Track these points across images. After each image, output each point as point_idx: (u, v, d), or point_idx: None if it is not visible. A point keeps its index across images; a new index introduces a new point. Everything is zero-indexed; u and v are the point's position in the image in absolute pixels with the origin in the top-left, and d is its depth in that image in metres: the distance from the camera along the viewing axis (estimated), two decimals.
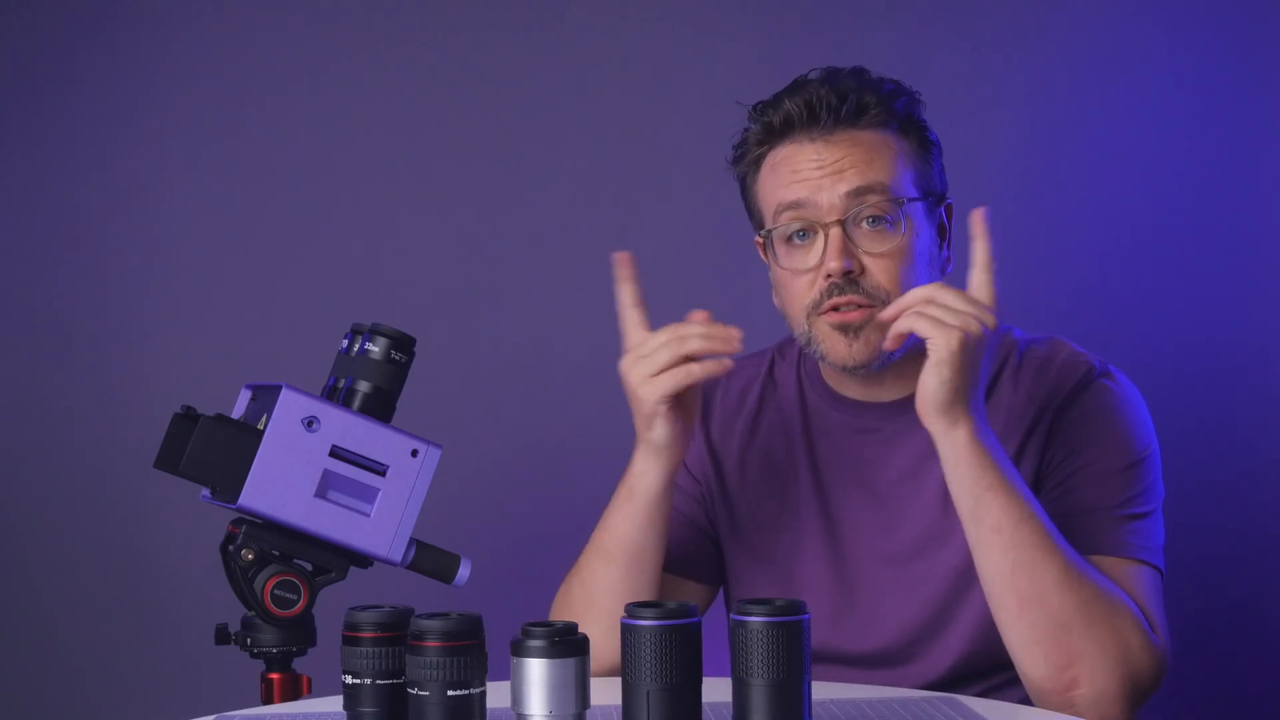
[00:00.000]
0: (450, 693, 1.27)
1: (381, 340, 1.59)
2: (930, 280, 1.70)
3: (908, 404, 1.75)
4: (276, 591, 1.55)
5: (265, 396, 1.59)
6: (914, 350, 1.70)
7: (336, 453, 1.55)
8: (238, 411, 1.63)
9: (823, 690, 1.56)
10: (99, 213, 2.58)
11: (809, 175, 1.68)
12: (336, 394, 1.59)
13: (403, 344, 1.60)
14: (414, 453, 1.57)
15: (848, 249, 1.66)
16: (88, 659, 2.57)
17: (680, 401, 1.62)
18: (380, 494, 1.56)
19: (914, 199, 1.70)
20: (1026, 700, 1.62)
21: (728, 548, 1.83)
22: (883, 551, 1.74)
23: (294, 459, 1.53)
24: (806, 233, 1.69)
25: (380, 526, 1.56)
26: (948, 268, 1.76)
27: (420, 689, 1.28)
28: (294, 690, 1.61)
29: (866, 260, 1.67)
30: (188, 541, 2.46)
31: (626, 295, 1.66)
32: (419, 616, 1.29)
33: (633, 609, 1.29)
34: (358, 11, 2.58)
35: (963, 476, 1.55)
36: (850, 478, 1.77)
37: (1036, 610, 1.53)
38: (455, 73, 2.56)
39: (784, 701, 1.29)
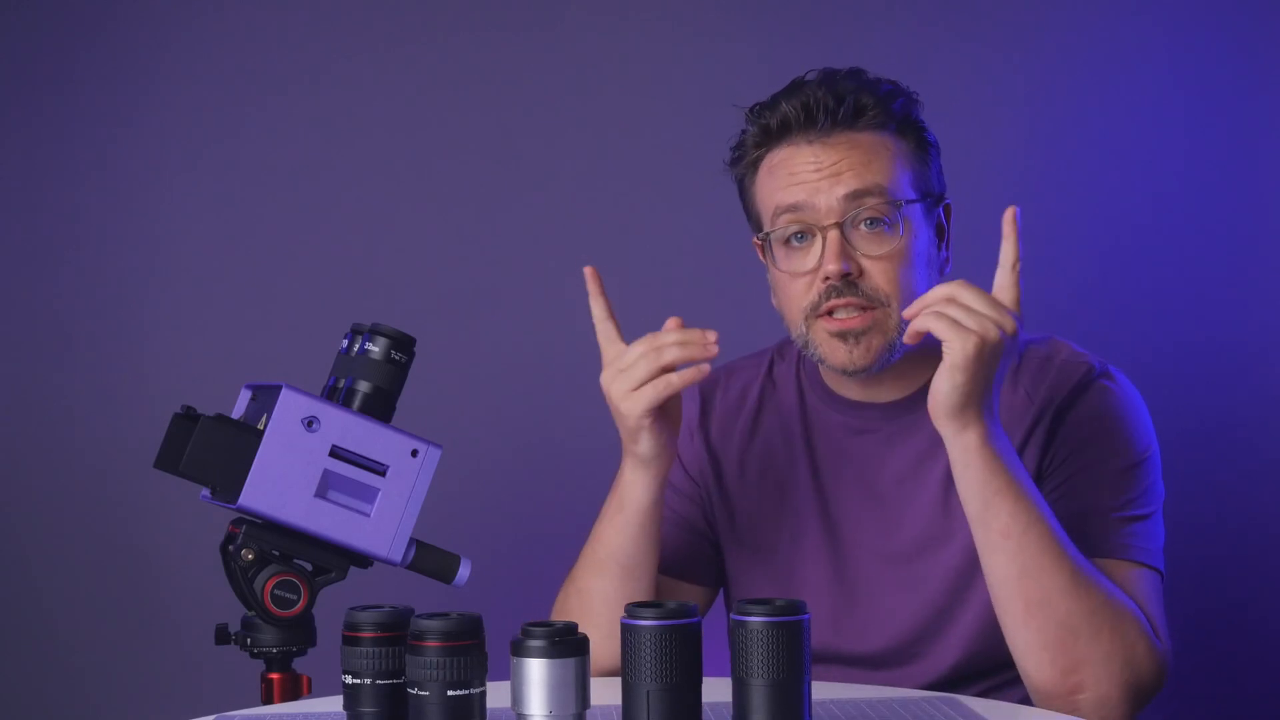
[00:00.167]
0: (450, 693, 1.27)
1: (381, 340, 1.59)
2: (929, 282, 1.70)
3: (907, 404, 1.75)
4: (276, 591, 1.55)
5: (265, 396, 1.59)
6: (913, 351, 1.70)
7: (336, 453, 1.55)
8: (238, 411, 1.63)
9: (823, 690, 1.56)
10: (99, 213, 2.58)
11: (806, 178, 1.68)
12: (336, 394, 1.59)
13: (403, 344, 1.60)
14: (414, 453, 1.57)
15: (846, 251, 1.66)
16: (88, 659, 2.57)
17: (664, 412, 1.62)
18: (380, 494, 1.56)
19: (912, 200, 1.69)
20: (1026, 700, 1.62)
21: (727, 549, 1.83)
22: (882, 552, 1.74)
23: (294, 459, 1.53)
24: (804, 235, 1.69)
25: (380, 526, 1.56)
26: (946, 268, 1.76)
27: (420, 689, 1.28)
28: (294, 690, 1.61)
29: (865, 262, 1.67)
30: (188, 541, 2.46)
31: (598, 309, 1.68)
32: (419, 616, 1.29)
33: (633, 609, 1.29)
34: (358, 11, 2.58)
35: (972, 480, 1.55)
36: (850, 478, 1.77)
37: (1043, 615, 1.52)
38: (455, 73, 2.56)
39: (784, 701, 1.29)
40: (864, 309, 1.66)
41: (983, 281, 1.58)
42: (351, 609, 1.35)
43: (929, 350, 1.74)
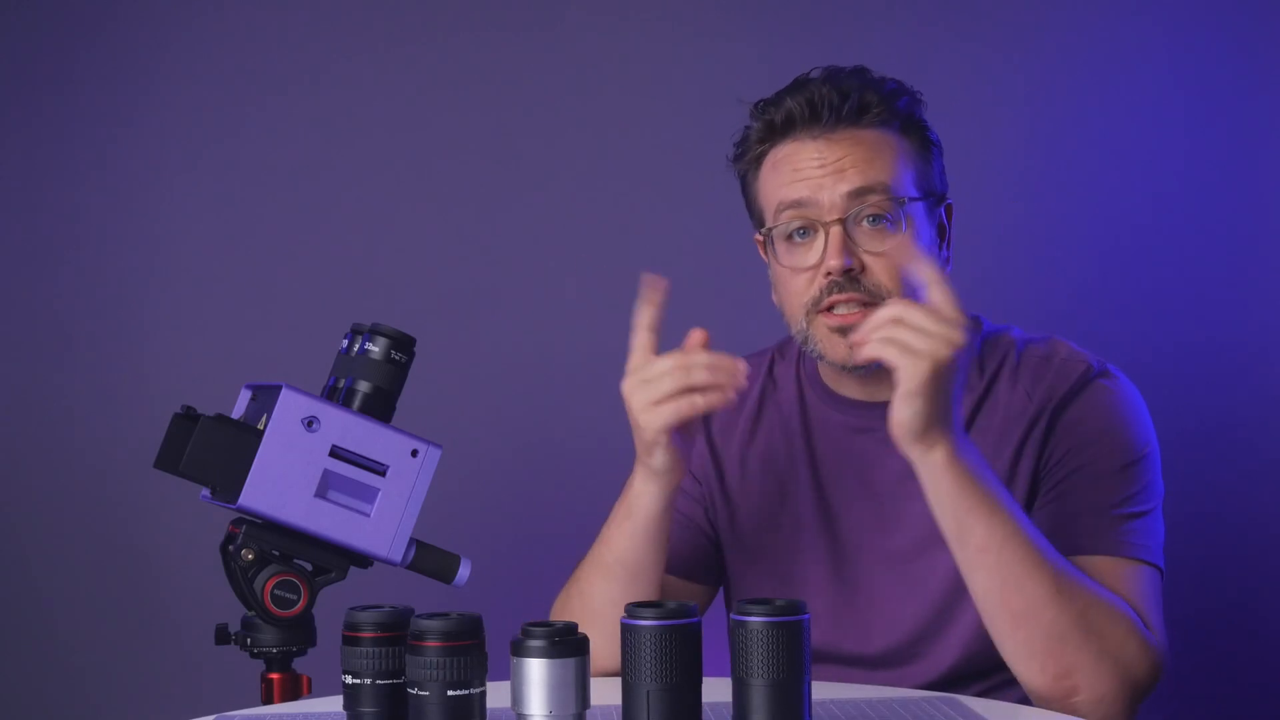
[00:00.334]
0: (450, 693, 1.27)
1: (381, 340, 1.59)
2: None
3: None
4: (276, 591, 1.55)
5: (265, 396, 1.59)
6: None
7: (336, 453, 1.55)
8: (238, 411, 1.63)
9: (823, 690, 1.56)
10: (99, 213, 2.58)
11: (810, 174, 1.68)
12: (336, 394, 1.59)
13: (403, 344, 1.60)
14: (414, 453, 1.57)
15: (848, 247, 1.66)
16: (88, 659, 2.57)
17: (682, 428, 1.60)
18: (380, 494, 1.56)
19: (914, 199, 1.69)
20: (1026, 700, 1.62)
21: (727, 547, 1.83)
22: (882, 551, 1.74)
23: (294, 459, 1.53)
24: (807, 231, 1.69)
25: (380, 526, 1.56)
26: (947, 268, 1.76)
27: (420, 689, 1.28)
28: (294, 690, 1.61)
29: (866, 259, 1.67)
30: (188, 541, 2.46)
31: (646, 318, 1.62)
32: (419, 616, 1.29)
33: (633, 609, 1.29)
34: (358, 11, 2.58)
35: (944, 498, 1.53)
36: (849, 477, 1.77)
37: (1031, 625, 1.52)
38: (455, 73, 2.56)
39: (784, 701, 1.29)
40: (865, 305, 1.66)
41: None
42: (351, 609, 1.35)
43: None
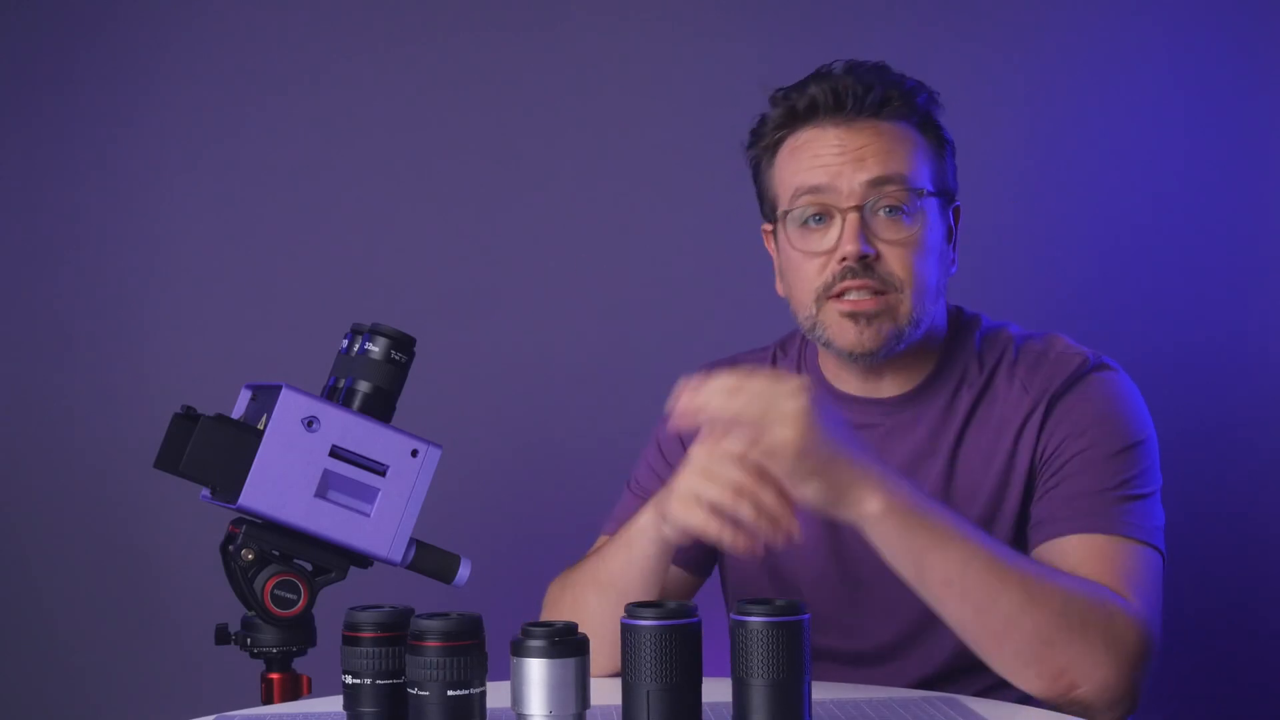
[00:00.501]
0: (450, 693, 1.27)
1: (381, 340, 1.59)
2: (939, 276, 1.72)
3: (906, 399, 1.76)
4: (276, 591, 1.55)
5: (265, 396, 1.59)
6: (913, 345, 1.72)
7: (336, 453, 1.55)
8: (238, 411, 1.63)
9: (823, 690, 1.56)
10: (99, 213, 2.58)
11: (830, 161, 1.69)
12: (336, 394, 1.59)
13: (403, 344, 1.60)
14: (414, 453, 1.57)
15: (864, 234, 1.67)
16: (88, 659, 2.57)
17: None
18: (380, 494, 1.56)
19: (930, 194, 1.71)
20: (1026, 698, 1.62)
21: None
22: None
23: (294, 459, 1.53)
24: (822, 217, 1.70)
25: (380, 526, 1.56)
26: (951, 269, 1.77)
27: (420, 689, 1.28)
28: (294, 690, 1.61)
29: (881, 247, 1.68)
30: (188, 541, 2.46)
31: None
32: (419, 616, 1.29)
33: (633, 609, 1.29)
34: (358, 11, 2.58)
35: (893, 546, 1.50)
36: None
37: (1014, 637, 1.51)
38: (455, 73, 2.56)
39: (784, 701, 1.29)
40: (877, 293, 1.68)
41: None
42: (351, 609, 1.35)
43: (929, 345, 1.75)
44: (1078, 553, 1.62)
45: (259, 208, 2.58)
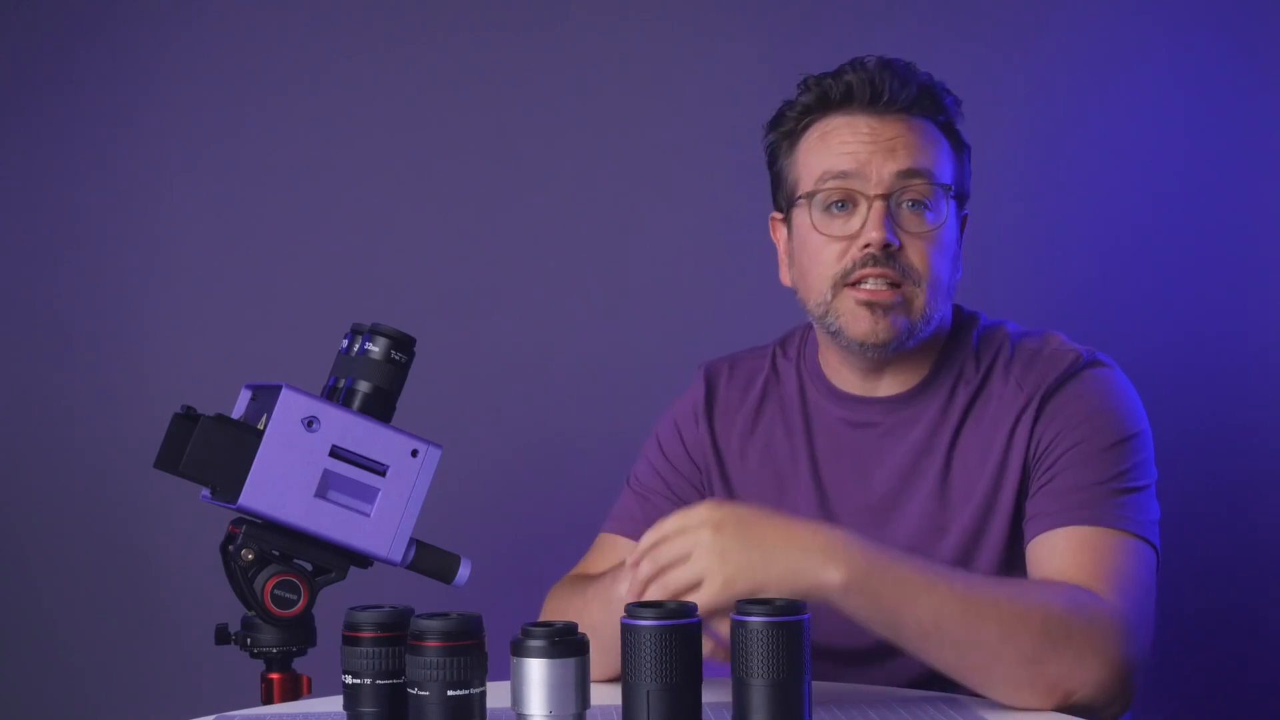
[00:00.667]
0: (450, 693, 1.27)
1: (381, 340, 1.59)
2: (951, 275, 1.74)
3: (904, 399, 1.76)
4: (276, 591, 1.55)
5: (265, 396, 1.59)
6: (917, 344, 1.73)
7: (336, 453, 1.55)
8: (238, 411, 1.63)
9: (823, 690, 1.56)
10: (99, 213, 2.58)
11: (861, 148, 1.70)
12: (336, 394, 1.59)
13: (403, 344, 1.60)
14: (414, 453, 1.57)
15: (889, 224, 1.68)
16: (88, 659, 2.57)
17: None
18: (380, 494, 1.56)
19: (952, 193, 1.73)
20: None
21: None
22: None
23: (294, 459, 1.53)
24: (846, 203, 1.71)
25: (380, 526, 1.56)
26: (956, 274, 1.77)
27: (420, 689, 1.28)
28: (294, 690, 1.61)
29: (903, 238, 1.70)
30: (188, 541, 2.46)
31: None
32: (419, 616, 1.29)
33: (633, 609, 1.29)
34: (358, 11, 2.58)
35: (863, 614, 1.47)
36: (848, 472, 1.78)
37: (1001, 667, 1.50)
38: (455, 73, 2.56)
39: (784, 701, 1.29)
40: (894, 284, 1.69)
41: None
42: (351, 609, 1.35)
43: (929, 345, 1.75)
44: (1069, 546, 1.62)
45: (259, 208, 2.58)
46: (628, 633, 1.29)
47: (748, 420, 1.85)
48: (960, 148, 1.77)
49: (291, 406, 1.54)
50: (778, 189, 1.81)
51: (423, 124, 2.57)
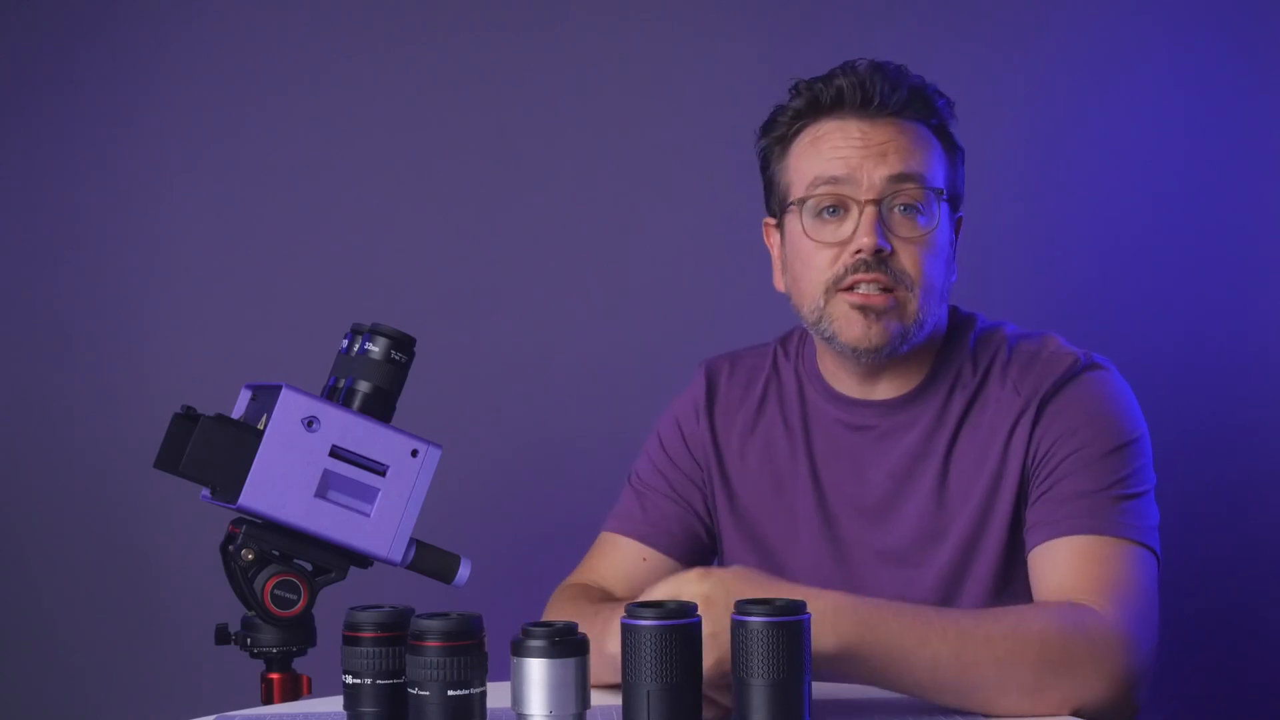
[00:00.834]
0: (450, 693, 1.27)
1: (381, 340, 1.59)
2: (944, 281, 1.73)
3: (902, 402, 1.76)
4: (276, 591, 1.55)
5: (265, 396, 1.59)
6: (913, 347, 1.73)
7: (336, 453, 1.55)
8: (238, 411, 1.63)
9: (823, 690, 1.56)
10: (99, 213, 2.58)
11: (852, 153, 1.70)
12: (336, 394, 1.59)
13: (403, 344, 1.60)
14: (414, 453, 1.57)
15: (880, 229, 1.68)
16: (88, 659, 2.57)
17: None
18: (380, 494, 1.56)
19: (944, 197, 1.72)
20: None
21: (726, 535, 1.83)
22: (877, 548, 1.75)
23: (294, 459, 1.53)
24: (837, 209, 1.71)
25: (380, 526, 1.56)
26: (951, 278, 1.77)
27: (420, 689, 1.28)
28: (294, 690, 1.61)
29: (895, 243, 1.69)
30: (188, 541, 2.46)
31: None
32: (419, 616, 1.29)
33: (633, 609, 1.29)
34: (358, 11, 2.58)
35: (860, 675, 1.48)
36: (845, 474, 1.77)
37: (1004, 699, 1.49)
38: (455, 73, 2.56)
39: (784, 701, 1.29)
40: (886, 290, 1.68)
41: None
42: (351, 609, 1.35)
43: (926, 348, 1.75)
44: (1070, 556, 1.61)
45: (259, 208, 2.58)
46: (628, 633, 1.29)
47: (749, 419, 1.84)
48: (953, 150, 1.76)
49: (291, 406, 1.54)
50: (770, 194, 1.80)
51: (423, 124, 2.57)
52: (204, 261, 2.58)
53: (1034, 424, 1.69)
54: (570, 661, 1.27)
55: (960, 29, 2.51)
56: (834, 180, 1.70)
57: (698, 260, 2.53)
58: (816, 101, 1.73)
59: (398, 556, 1.57)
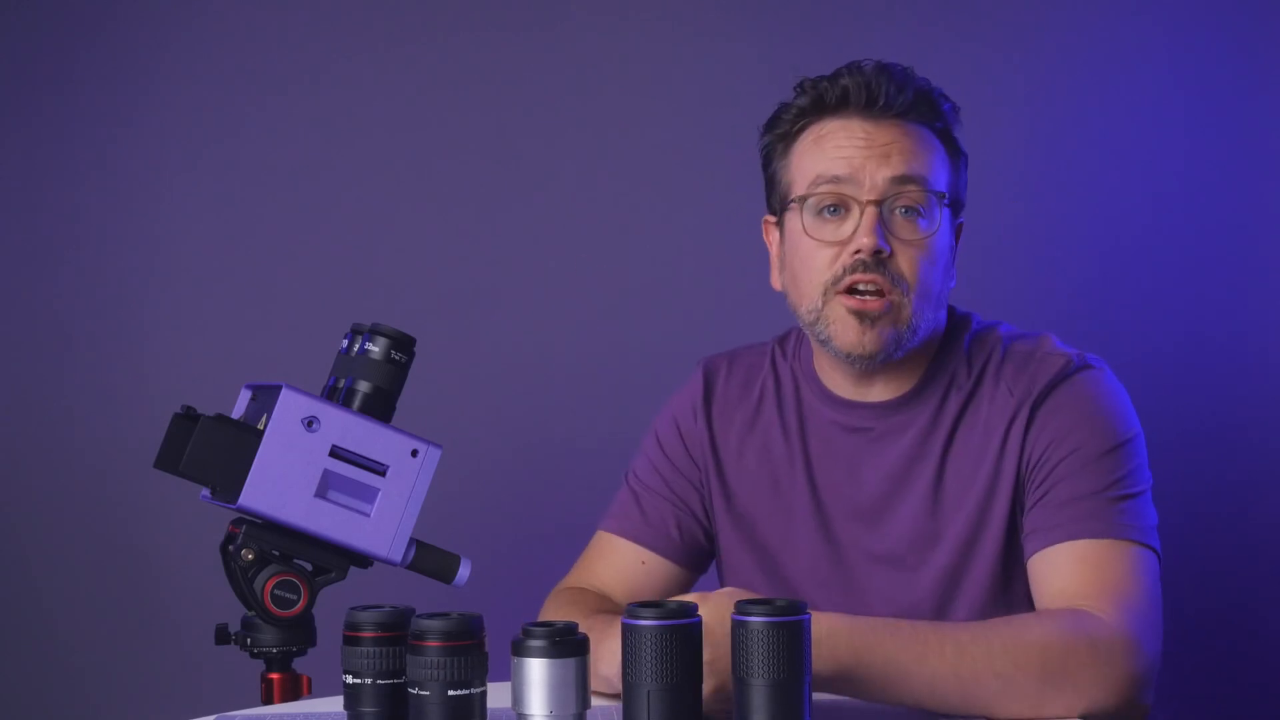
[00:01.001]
0: (450, 693, 1.27)
1: (381, 340, 1.59)
2: (942, 285, 1.73)
3: (898, 404, 1.75)
4: (276, 591, 1.55)
5: (265, 396, 1.59)
6: (909, 351, 1.72)
7: (336, 453, 1.55)
8: (238, 411, 1.63)
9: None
10: (99, 213, 2.58)
11: (855, 153, 1.70)
12: (336, 394, 1.59)
13: (403, 344, 1.60)
14: (414, 453, 1.57)
15: (881, 230, 1.68)
16: (88, 659, 2.57)
17: None
18: (380, 494, 1.56)
19: (946, 200, 1.72)
20: None
21: (723, 536, 1.83)
22: (873, 551, 1.75)
23: (294, 459, 1.53)
24: (838, 208, 1.71)
25: (380, 526, 1.56)
26: (950, 283, 1.77)
27: (421, 689, 1.28)
28: (294, 690, 1.61)
29: (895, 245, 1.68)
30: (188, 541, 2.46)
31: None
32: (419, 616, 1.29)
33: (633, 609, 1.29)
34: (358, 11, 2.58)
35: (860, 695, 1.48)
36: (841, 475, 1.77)
37: (1009, 709, 1.49)
38: (455, 73, 2.56)
39: (784, 701, 1.29)
40: (882, 294, 1.67)
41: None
42: (352, 609, 1.35)
43: (921, 351, 1.75)
44: (1071, 561, 1.61)
45: (259, 208, 2.58)
46: (628, 633, 1.29)
47: (747, 418, 1.84)
48: (957, 155, 1.75)
49: (291, 406, 1.54)
50: (771, 192, 1.80)
51: (423, 124, 2.57)
52: (204, 261, 2.58)
53: (1028, 426, 1.69)
54: (570, 661, 1.27)
55: (960, 29, 2.51)
56: (836, 179, 1.70)
57: (698, 260, 2.53)
58: (821, 100, 1.73)
59: (398, 556, 1.57)
